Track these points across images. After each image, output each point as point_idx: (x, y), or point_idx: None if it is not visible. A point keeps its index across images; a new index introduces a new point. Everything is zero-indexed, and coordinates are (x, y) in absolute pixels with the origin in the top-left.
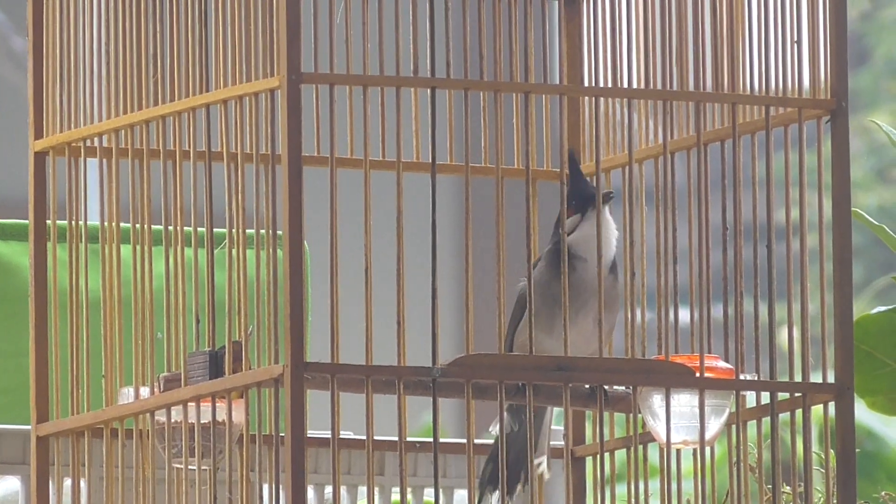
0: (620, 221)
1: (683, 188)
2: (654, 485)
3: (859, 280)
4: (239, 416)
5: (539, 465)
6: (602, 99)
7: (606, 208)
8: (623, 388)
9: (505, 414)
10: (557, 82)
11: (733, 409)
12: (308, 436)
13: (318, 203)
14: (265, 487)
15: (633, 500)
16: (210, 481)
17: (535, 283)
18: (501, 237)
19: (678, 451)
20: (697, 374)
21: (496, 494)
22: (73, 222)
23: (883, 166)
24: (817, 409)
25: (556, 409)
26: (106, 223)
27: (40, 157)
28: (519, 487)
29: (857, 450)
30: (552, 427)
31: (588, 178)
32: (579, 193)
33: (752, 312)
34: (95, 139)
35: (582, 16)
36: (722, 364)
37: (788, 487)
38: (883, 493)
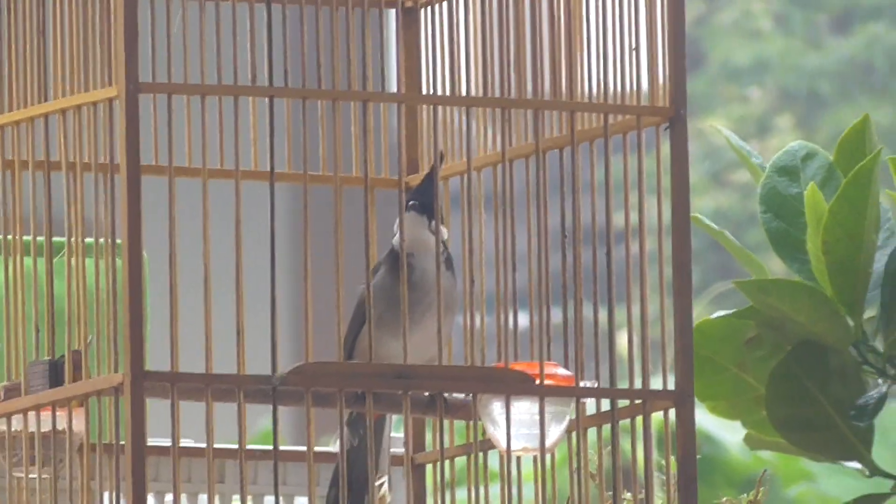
0: (459, 228)
1: (522, 195)
2: (495, 490)
3: (697, 284)
4: (79, 424)
5: (380, 486)
6: (440, 107)
7: (414, 213)
8: (463, 395)
9: (344, 428)
10: (395, 91)
11: (573, 416)
12: (148, 444)
13: (158, 212)
14: (106, 496)
15: None
16: (51, 490)
17: (377, 287)
18: (340, 245)
19: (518, 457)
20: (537, 382)
21: None
22: None
23: (718, 170)
24: (658, 414)
25: (396, 417)
26: None
27: None
28: None
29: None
30: (392, 435)
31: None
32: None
33: (592, 318)
34: None
35: (420, 24)
36: (562, 371)
37: (629, 494)
38: (724, 500)
